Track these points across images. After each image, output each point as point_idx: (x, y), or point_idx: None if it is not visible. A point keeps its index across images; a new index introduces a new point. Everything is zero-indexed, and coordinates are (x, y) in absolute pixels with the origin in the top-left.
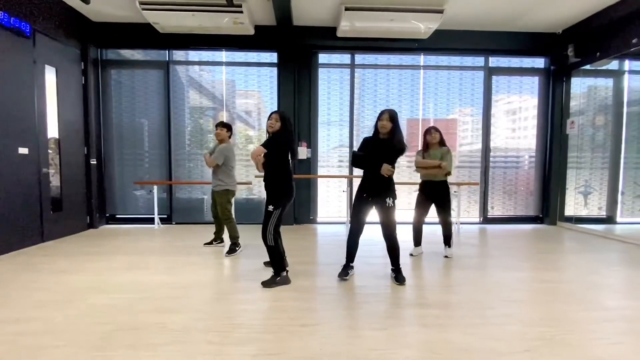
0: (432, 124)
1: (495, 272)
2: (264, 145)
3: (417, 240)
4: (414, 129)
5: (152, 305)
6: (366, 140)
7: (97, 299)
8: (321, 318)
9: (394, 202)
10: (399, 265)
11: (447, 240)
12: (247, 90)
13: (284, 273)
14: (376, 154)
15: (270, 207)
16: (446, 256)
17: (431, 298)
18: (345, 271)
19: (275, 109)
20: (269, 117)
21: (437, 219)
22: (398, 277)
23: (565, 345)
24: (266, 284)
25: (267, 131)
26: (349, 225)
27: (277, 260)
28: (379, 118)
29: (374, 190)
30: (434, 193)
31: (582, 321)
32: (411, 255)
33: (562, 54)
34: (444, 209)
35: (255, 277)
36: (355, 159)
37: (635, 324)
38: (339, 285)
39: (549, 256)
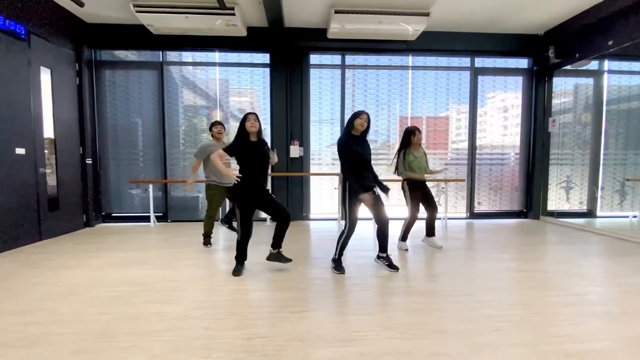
0: (423, 123)
1: (477, 264)
2: (269, 154)
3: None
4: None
5: (151, 297)
6: (352, 142)
7: (98, 292)
8: (310, 305)
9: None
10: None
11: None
12: (240, 89)
13: None
14: (366, 154)
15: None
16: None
17: (414, 287)
18: (342, 266)
19: (269, 108)
20: (248, 119)
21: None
22: (392, 264)
23: (530, 326)
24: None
25: (248, 131)
26: (352, 223)
27: None
28: (359, 116)
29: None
30: (427, 191)
31: (549, 305)
32: (406, 250)
33: (543, 55)
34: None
35: (248, 270)
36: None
37: (595, 306)
38: (328, 277)
39: (529, 248)
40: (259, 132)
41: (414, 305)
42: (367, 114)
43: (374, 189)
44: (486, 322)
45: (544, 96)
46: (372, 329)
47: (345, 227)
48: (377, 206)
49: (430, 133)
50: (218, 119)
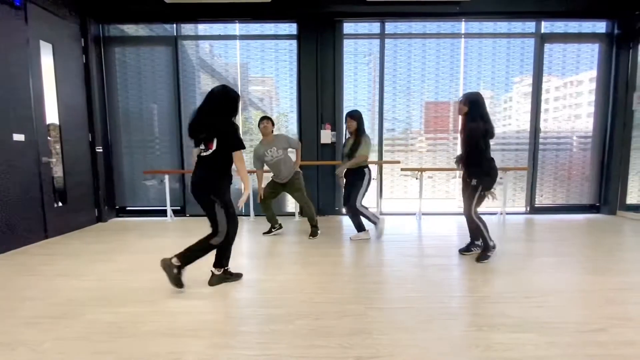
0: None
1: (576, 276)
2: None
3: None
4: (447, 110)
5: (163, 325)
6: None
7: (98, 314)
8: (380, 346)
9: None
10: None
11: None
12: (264, 77)
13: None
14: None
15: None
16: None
17: (513, 314)
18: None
19: (295, 87)
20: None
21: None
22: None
23: None
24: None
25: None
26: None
27: None
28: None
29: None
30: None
31: None
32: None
33: (631, 14)
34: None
35: (287, 281)
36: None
37: None
38: (387, 296)
39: (631, 254)
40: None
41: (530, 349)
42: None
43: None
44: None
45: (628, 67)
46: None
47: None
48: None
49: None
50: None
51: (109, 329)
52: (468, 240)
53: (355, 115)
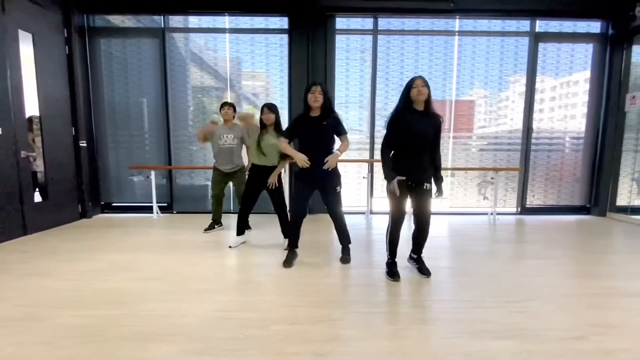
0: (467, 100)
1: (561, 280)
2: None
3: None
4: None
5: (133, 328)
6: (406, 114)
7: (66, 317)
8: (356, 354)
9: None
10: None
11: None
12: (254, 72)
13: None
14: (425, 129)
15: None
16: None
17: (494, 320)
18: (394, 270)
19: (286, 83)
20: (312, 91)
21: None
22: (424, 268)
23: None
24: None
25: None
26: (392, 216)
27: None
28: (413, 85)
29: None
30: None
31: None
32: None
33: (626, 14)
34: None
35: (267, 282)
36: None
37: None
38: (369, 299)
39: (618, 257)
40: (323, 107)
41: (509, 358)
42: (422, 79)
43: (424, 181)
44: None
45: (621, 67)
46: None
47: (388, 222)
48: (418, 198)
49: (479, 114)
50: (228, 100)
51: (75, 332)
52: (429, 244)
53: (274, 108)
